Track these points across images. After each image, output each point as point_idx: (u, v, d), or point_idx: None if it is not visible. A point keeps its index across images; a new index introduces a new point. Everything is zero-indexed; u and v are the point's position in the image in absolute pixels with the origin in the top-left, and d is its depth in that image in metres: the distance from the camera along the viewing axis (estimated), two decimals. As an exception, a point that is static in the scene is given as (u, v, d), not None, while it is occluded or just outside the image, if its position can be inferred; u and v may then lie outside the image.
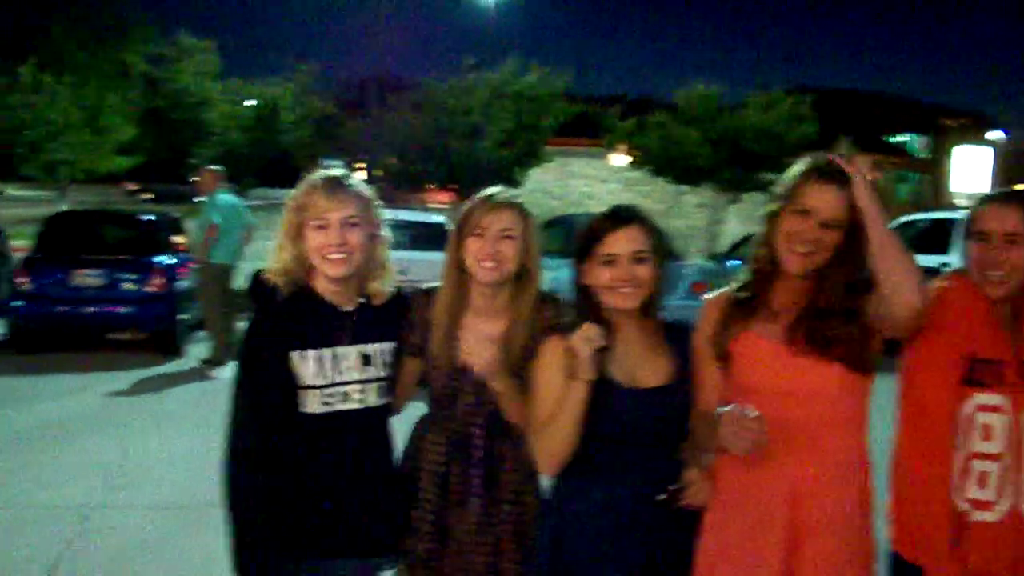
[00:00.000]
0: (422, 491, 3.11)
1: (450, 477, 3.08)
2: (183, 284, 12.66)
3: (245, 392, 2.95)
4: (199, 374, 11.29)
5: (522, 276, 3.10)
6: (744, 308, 2.90)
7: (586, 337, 2.71)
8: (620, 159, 35.15)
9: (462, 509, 3.07)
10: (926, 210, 20.26)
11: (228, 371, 9.61)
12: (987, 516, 2.81)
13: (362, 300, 3.08)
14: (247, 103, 32.47)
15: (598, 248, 2.87)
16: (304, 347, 2.95)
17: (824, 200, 2.74)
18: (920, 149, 57.03)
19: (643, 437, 2.85)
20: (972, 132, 56.49)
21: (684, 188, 32.35)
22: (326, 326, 3.00)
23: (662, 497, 2.83)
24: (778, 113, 30.10)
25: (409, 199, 30.18)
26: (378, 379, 3.06)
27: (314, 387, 2.95)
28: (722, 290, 3.02)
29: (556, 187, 37.90)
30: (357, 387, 3.01)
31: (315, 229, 2.95)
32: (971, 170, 54.12)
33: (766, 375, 2.83)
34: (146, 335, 12.69)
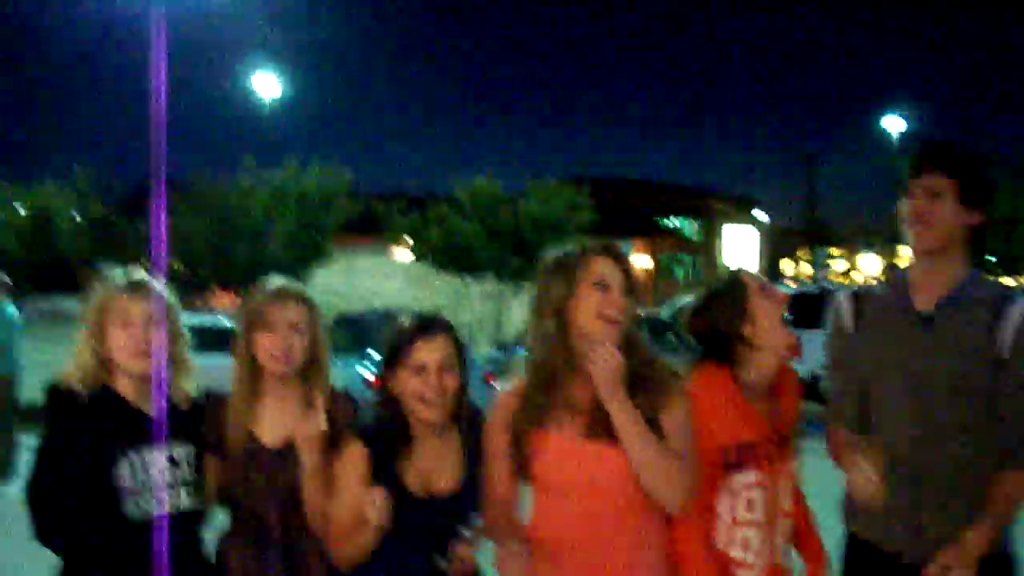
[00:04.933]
0: None
1: (254, 567, 3.05)
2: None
3: (52, 494, 2.89)
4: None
5: (311, 366, 3.15)
6: (538, 407, 2.84)
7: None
8: (403, 254, 35.13)
9: None
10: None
11: (11, 487, 9.16)
12: (747, 575, 2.97)
13: (166, 403, 3.04)
14: (20, 210, 31.17)
15: (407, 356, 2.90)
16: (113, 450, 2.93)
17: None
18: (692, 232, 59.30)
19: (436, 539, 2.84)
20: (738, 213, 59.43)
21: (468, 280, 32.67)
22: (134, 429, 2.98)
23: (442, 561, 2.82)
24: (556, 203, 30.84)
25: (195, 303, 29.29)
26: (186, 482, 3.05)
27: (126, 490, 2.92)
28: (515, 383, 2.95)
29: (341, 285, 37.44)
30: (167, 491, 2.98)
31: (119, 328, 2.97)
32: (740, 247, 56.88)
33: (567, 471, 2.79)
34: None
